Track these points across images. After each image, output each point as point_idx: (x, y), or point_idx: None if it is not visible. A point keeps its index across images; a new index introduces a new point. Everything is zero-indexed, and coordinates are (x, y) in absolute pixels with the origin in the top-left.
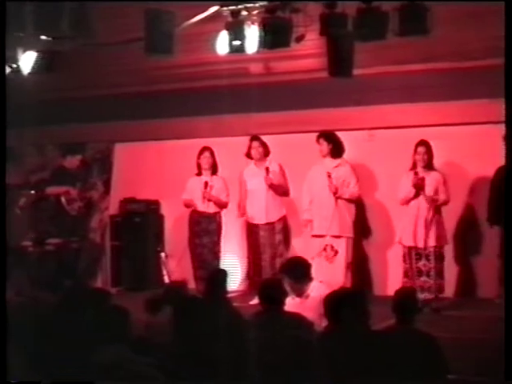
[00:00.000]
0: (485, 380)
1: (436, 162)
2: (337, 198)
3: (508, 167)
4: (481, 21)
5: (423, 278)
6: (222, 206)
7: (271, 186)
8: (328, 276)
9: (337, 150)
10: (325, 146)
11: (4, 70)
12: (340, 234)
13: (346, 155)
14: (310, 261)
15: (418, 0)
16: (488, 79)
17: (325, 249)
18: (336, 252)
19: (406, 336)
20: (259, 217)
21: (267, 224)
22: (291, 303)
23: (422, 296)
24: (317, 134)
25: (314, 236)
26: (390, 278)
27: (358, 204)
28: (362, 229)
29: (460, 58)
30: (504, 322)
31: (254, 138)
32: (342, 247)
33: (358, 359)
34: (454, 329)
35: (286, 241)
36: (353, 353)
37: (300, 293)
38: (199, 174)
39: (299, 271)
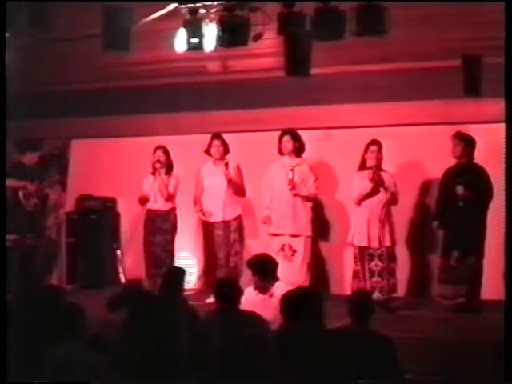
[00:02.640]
0: (484, 380)
1: (393, 162)
2: (294, 195)
3: (508, 166)
4: (437, 23)
5: (375, 279)
6: (170, 197)
7: (230, 182)
8: (287, 275)
9: (300, 148)
10: (290, 144)
11: (4, 69)
12: (298, 233)
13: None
14: None
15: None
16: (444, 80)
17: (282, 248)
18: (294, 251)
19: (360, 336)
20: (215, 215)
21: (223, 222)
22: (255, 300)
23: (373, 296)
24: (279, 132)
25: (272, 235)
26: (348, 276)
27: (316, 203)
28: (320, 228)
29: (416, 58)
30: (504, 321)
31: (216, 136)
32: (301, 246)
33: (311, 358)
34: (409, 328)
35: (242, 240)
36: (307, 352)
37: (264, 290)
38: (153, 172)
39: (266, 268)
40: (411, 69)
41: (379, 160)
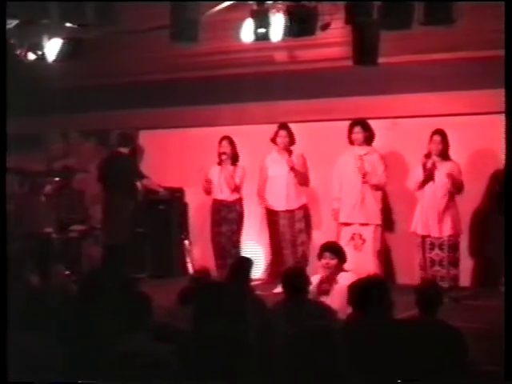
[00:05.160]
0: (484, 380)
1: (462, 151)
2: (364, 183)
3: (508, 159)
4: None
5: (436, 268)
6: (236, 188)
7: (292, 170)
8: (357, 265)
9: (370, 138)
10: (361, 135)
11: (5, 68)
12: (368, 222)
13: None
14: None
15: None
16: None
17: (353, 237)
18: (364, 240)
19: (428, 327)
20: (279, 204)
21: (287, 211)
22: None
23: None
24: (346, 121)
25: (341, 224)
26: (414, 266)
27: (384, 192)
28: (388, 216)
29: (484, 47)
30: (504, 321)
31: (283, 126)
32: (370, 235)
33: (380, 348)
34: (475, 319)
35: (308, 229)
36: (376, 341)
37: (332, 277)
38: (219, 163)
39: (343, 253)
40: (479, 58)
41: (441, 150)
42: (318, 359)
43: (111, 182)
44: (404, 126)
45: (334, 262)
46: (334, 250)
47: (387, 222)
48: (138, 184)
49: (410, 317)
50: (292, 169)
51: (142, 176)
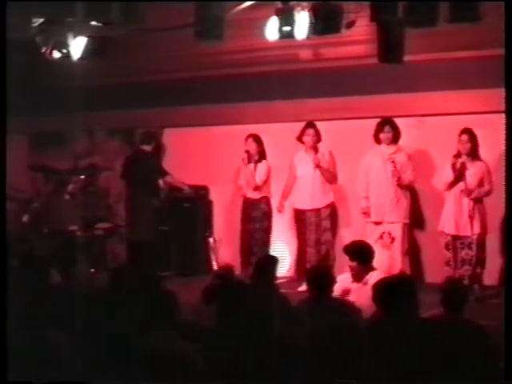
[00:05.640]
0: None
1: (490, 150)
2: (398, 185)
3: (508, 157)
4: None
5: (465, 267)
6: (258, 187)
7: (318, 167)
8: (385, 264)
9: (397, 136)
10: (390, 134)
11: (5, 67)
12: (397, 221)
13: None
14: None
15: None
16: None
17: (381, 236)
18: (393, 239)
19: (454, 325)
20: (305, 202)
21: (313, 210)
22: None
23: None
24: (372, 119)
25: (370, 223)
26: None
27: (412, 190)
28: (416, 215)
29: None
30: (504, 321)
31: (310, 124)
32: (399, 234)
33: (405, 347)
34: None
35: (334, 228)
36: (401, 340)
37: (359, 278)
38: (247, 161)
39: (364, 254)
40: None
41: (470, 150)
42: (343, 357)
43: (134, 180)
44: (429, 124)
45: (353, 264)
46: (352, 252)
47: (415, 221)
48: (161, 182)
49: (435, 315)
50: (318, 166)
51: (164, 173)
